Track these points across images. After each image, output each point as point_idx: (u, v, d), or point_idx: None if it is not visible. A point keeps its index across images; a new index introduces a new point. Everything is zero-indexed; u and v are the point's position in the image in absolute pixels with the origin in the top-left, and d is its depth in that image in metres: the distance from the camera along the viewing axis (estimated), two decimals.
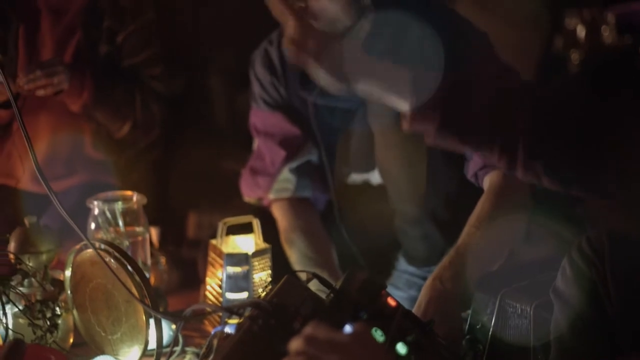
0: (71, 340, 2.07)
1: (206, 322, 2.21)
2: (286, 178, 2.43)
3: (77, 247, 1.99)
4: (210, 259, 2.21)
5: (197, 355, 2.03)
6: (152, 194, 2.23)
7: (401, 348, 1.59)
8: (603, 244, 1.62)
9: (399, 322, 1.62)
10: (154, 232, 2.53)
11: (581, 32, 3.63)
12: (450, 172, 2.14)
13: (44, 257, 2.11)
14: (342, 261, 2.34)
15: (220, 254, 2.15)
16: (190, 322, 2.10)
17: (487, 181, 2.13)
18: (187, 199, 3.06)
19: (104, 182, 2.69)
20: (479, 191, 2.14)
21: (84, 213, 2.18)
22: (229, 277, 2.13)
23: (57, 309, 1.99)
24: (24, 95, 2.49)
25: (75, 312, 2.04)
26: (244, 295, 2.14)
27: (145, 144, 2.88)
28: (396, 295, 2.00)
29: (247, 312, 1.57)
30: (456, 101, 1.54)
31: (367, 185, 2.41)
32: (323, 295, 1.65)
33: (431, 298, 1.95)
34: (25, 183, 2.75)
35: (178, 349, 2.04)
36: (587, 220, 2.17)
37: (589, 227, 2.10)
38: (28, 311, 1.96)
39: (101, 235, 2.13)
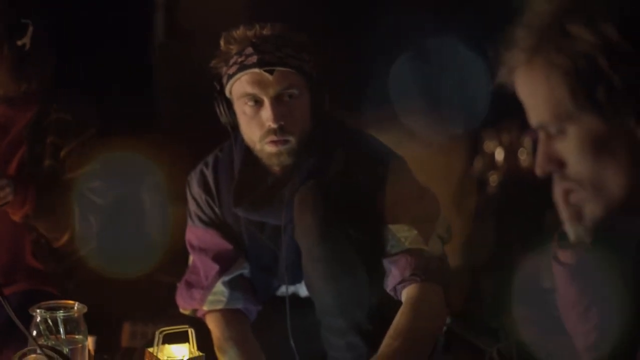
0: None
1: None
2: (219, 291, 2.48)
3: (20, 353, 2.01)
4: None
5: None
6: (88, 303, 2.23)
7: None
8: (512, 354, 1.76)
9: None
10: (90, 341, 2.54)
11: (499, 155, 3.82)
12: (372, 285, 2.22)
13: None
14: None
15: None
16: None
17: (405, 294, 2.22)
18: (122, 310, 3.08)
19: (43, 291, 2.72)
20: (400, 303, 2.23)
21: (24, 320, 2.15)
22: None
23: None
24: None
25: None
26: None
27: (83, 254, 2.88)
28: None
29: None
30: None
31: (295, 297, 2.49)
32: None
33: None
34: None
35: None
36: (501, 331, 2.30)
37: (502, 337, 2.25)
38: None
39: (42, 341, 2.13)
